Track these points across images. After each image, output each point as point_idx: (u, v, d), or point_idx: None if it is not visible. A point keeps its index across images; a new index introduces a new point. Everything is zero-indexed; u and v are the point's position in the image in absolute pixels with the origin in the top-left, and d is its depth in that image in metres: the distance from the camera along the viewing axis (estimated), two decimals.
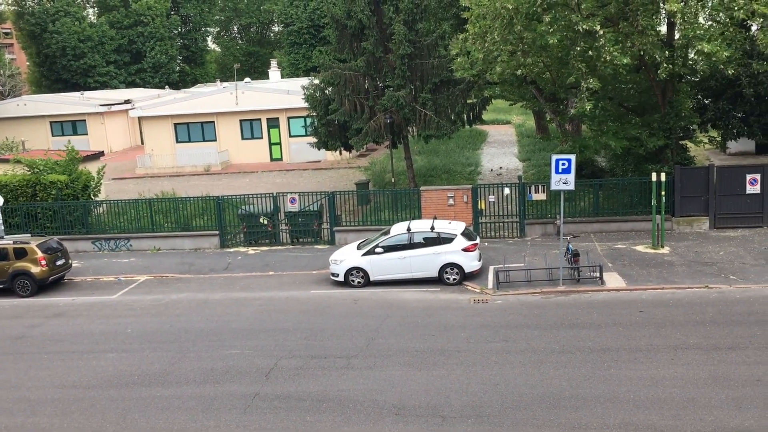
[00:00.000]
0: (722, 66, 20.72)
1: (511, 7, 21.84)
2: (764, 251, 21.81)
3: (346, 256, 21.92)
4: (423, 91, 29.83)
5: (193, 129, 46.30)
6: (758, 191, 24.13)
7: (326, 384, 15.05)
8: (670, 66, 21.82)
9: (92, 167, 31.85)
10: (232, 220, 27.63)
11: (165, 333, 18.78)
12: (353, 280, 21.64)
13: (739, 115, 25.40)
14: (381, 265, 21.45)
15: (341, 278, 21.74)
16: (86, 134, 55.74)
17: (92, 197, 29.98)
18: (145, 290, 22.91)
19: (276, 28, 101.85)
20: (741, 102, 24.76)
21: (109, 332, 19.15)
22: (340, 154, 38.31)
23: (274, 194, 27.05)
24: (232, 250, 26.84)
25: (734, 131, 26.05)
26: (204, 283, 23.17)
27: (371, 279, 21.58)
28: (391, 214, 26.49)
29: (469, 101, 31.46)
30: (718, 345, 15.57)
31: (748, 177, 24.22)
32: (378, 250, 21.50)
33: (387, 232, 22.32)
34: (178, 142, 46.30)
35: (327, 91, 31.85)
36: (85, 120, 55.98)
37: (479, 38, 23.89)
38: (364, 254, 21.63)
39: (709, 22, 22.01)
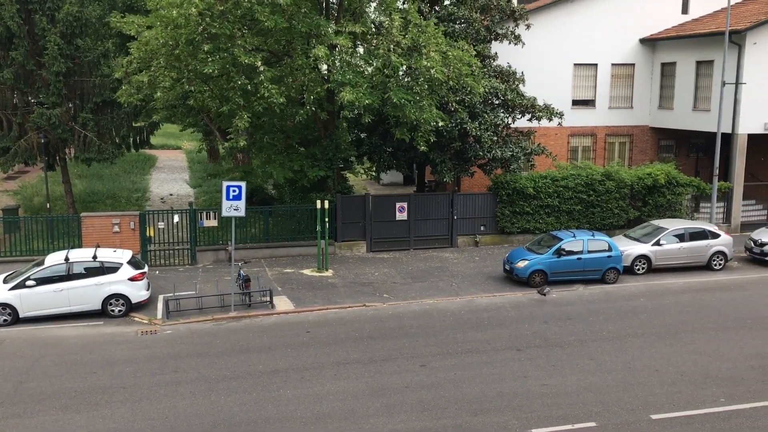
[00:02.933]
0: (361, 113, 22.90)
1: (163, 41, 21.53)
2: (411, 271, 24.62)
3: None
4: (83, 111, 27.78)
5: None
6: (405, 218, 27.19)
7: None
8: (314, 109, 23.36)
9: None
10: None
11: None
12: None
13: (389, 149, 28.40)
14: (33, 300, 19.29)
15: None
16: None
17: None
18: None
19: None
20: (390, 138, 27.74)
21: None
22: None
23: None
24: None
25: (385, 164, 29.04)
26: None
27: (21, 316, 19.28)
28: (45, 244, 24.04)
29: (136, 124, 30.14)
30: (374, 358, 17.08)
31: (397, 205, 27.20)
32: (29, 282, 19.31)
33: (41, 263, 20.16)
34: None
35: None
36: None
37: (144, 63, 23.12)
38: (12, 288, 19.25)
39: (360, 69, 23.97)
